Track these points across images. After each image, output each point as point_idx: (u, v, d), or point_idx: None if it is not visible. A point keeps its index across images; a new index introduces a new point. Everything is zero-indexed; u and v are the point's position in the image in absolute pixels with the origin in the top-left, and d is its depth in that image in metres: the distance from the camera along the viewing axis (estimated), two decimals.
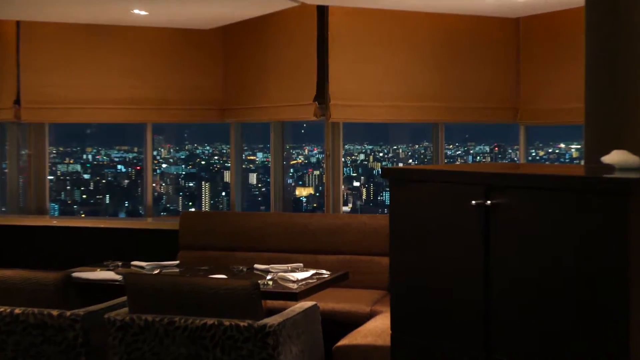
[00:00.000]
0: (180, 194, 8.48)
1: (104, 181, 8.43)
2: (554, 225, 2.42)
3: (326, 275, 5.31)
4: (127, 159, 8.39)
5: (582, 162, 3.50)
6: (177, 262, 5.91)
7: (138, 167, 8.10)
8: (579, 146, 7.63)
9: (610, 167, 2.66)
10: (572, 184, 2.42)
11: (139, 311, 4.46)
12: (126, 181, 8.36)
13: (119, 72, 7.24)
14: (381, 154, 8.38)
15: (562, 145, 7.94)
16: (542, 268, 2.46)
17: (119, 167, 8.38)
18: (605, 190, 2.29)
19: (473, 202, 2.67)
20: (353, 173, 8.15)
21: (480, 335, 2.69)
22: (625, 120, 2.99)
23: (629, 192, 2.22)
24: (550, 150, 7.90)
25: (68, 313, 4.67)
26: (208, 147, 8.63)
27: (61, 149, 8.45)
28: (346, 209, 7.62)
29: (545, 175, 2.62)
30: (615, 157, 2.69)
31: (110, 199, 8.36)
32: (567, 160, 7.79)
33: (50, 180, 7.92)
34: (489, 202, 2.64)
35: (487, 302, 2.66)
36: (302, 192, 8.13)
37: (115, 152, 8.48)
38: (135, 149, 8.29)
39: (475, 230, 2.69)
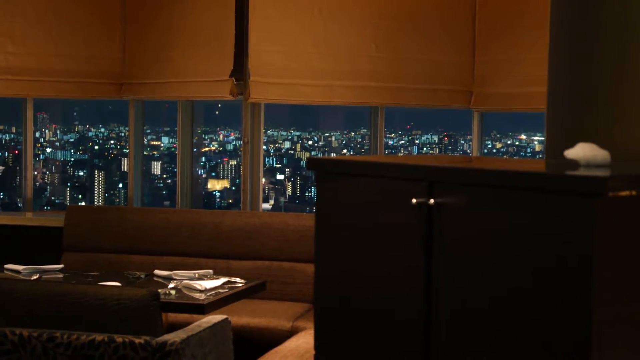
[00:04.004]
0: (68, 184, 8.41)
1: None
2: (508, 230, 2.44)
3: (240, 285, 5.31)
4: (3, 141, 8.29)
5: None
6: (61, 266, 5.88)
7: (16, 151, 8.00)
8: (542, 138, 7.74)
9: (573, 163, 2.69)
10: (530, 181, 2.43)
11: (12, 324, 4.39)
12: (1, 167, 8.25)
13: None
14: (310, 142, 8.40)
15: (523, 137, 8.05)
16: (493, 280, 2.48)
17: None
18: (566, 191, 2.32)
19: (414, 200, 2.68)
20: (276, 164, 8.17)
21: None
22: (594, 107, 3.03)
23: (595, 193, 2.25)
24: (509, 142, 8.00)
25: None
26: (102, 129, 8.56)
27: None
28: (267, 206, 7.63)
29: (498, 170, 2.63)
30: (580, 151, 2.72)
31: None
32: (529, 154, 7.90)
33: None
34: (432, 201, 2.65)
35: (427, 321, 2.68)
36: (216, 185, 8.12)
37: None
38: (13, 129, 8.19)
39: (416, 235, 2.70)
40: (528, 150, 7.96)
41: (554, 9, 3.12)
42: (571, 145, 2.77)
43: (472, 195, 2.56)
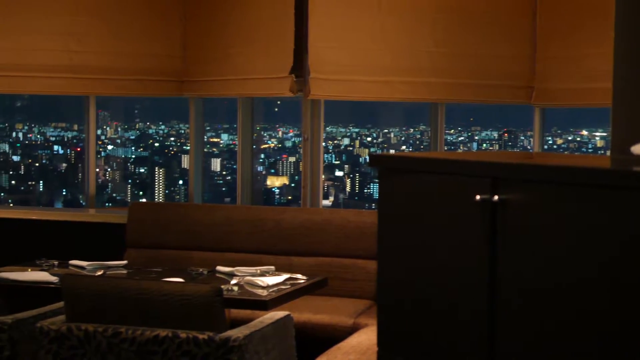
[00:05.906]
0: (129, 181, 8.47)
1: (37, 164, 8.40)
2: (574, 226, 2.44)
3: (302, 281, 5.32)
4: (66, 139, 8.36)
5: (608, 152, 3.53)
6: (125, 262, 5.92)
7: (78, 149, 8.08)
8: (604, 134, 7.67)
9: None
10: (597, 178, 2.43)
11: (77, 320, 4.45)
12: (64, 165, 8.33)
13: (54, 33, 7.13)
14: (369, 139, 8.40)
15: (585, 132, 7.98)
16: (558, 275, 2.48)
17: (56, 147, 8.35)
18: (633, 187, 2.31)
19: (477, 197, 2.68)
20: (335, 160, 8.17)
21: (483, 357, 2.71)
22: None
23: None
24: (570, 138, 7.95)
25: None
26: (163, 127, 8.62)
27: None
28: (326, 203, 7.63)
29: (564, 167, 2.63)
30: None
31: (44, 185, 8.33)
32: (590, 150, 7.84)
33: None
34: (496, 197, 2.65)
35: (492, 318, 2.68)
36: (275, 182, 8.14)
37: (51, 129, 8.44)
38: (75, 127, 8.26)
39: (480, 231, 2.71)
40: (589, 146, 7.90)
41: (620, 5, 3.11)
42: (637, 141, 2.76)
43: (537, 192, 2.56)
